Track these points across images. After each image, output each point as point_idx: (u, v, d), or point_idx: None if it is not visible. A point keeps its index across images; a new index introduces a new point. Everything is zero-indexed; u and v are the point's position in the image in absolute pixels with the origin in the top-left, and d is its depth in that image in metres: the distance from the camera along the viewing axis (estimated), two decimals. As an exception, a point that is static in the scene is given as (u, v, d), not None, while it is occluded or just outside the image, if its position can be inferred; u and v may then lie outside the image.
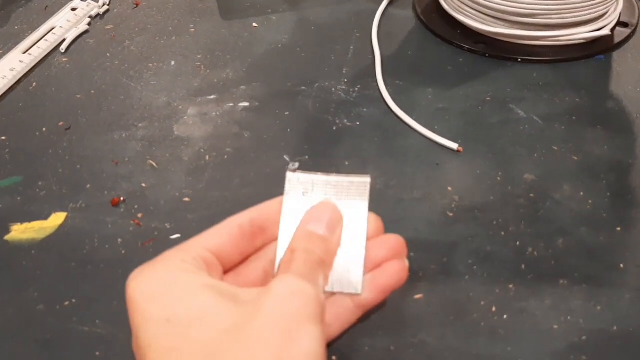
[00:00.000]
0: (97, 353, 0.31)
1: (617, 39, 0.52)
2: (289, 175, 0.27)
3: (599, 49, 0.51)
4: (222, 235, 0.25)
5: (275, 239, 0.26)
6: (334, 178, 0.27)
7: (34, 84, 0.49)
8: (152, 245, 0.36)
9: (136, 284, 0.23)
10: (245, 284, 0.25)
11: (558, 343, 0.31)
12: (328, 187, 0.27)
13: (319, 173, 0.27)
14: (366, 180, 0.27)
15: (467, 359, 0.30)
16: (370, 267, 0.26)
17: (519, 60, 0.50)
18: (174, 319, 0.22)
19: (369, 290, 0.26)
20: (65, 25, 0.55)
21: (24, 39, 0.53)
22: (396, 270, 0.26)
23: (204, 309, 0.22)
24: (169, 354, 0.21)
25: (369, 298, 0.26)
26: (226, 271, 0.26)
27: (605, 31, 0.51)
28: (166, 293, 0.22)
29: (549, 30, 0.50)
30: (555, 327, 0.31)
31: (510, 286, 0.33)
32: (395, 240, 0.26)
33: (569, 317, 0.32)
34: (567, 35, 0.50)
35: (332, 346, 0.30)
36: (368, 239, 0.26)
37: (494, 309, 0.32)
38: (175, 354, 0.21)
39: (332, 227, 0.26)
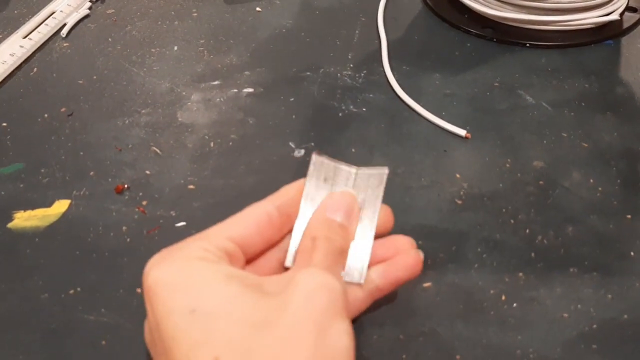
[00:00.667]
0: (103, 342, 0.30)
1: (626, 24, 0.51)
2: (315, 157, 0.26)
3: (608, 34, 0.50)
4: (249, 224, 0.24)
5: None
6: (355, 169, 0.27)
7: (35, 70, 0.48)
8: (158, 234, 0.35)
9: (157, 273, 0.22)
10: (261, 274, 0.25)
11: (568, 332, 0.30)
12: (350, 176, 0.27)
13: (342, 162, 0.27)
14: (384, 171, 0.27)
15: (477, 348, 0.30)
16: (375, 262, 0.26)
17: (527, 45, 0.49)
18: (199, 310, 0.21)
19: (382, 279, 0.25)
20: (65, 10, 0.54)
21: (24, 23, 0.52)
22: (410, 263, 0.26)
23: (229, 300, 0.21)
24: (197, 348, 0.20)
25: (381, 287, 0.25)
26: (249, 261, 0.25)
27: (615, 16, 0.50)
28: (190, 283, 0.22)
29: (557, 15, 0.49)
30: (566, 315, 0.31)
31: (520, 274, 0.33)
32: (403, 241, 0.26)
33: (579, 306, 0.31)
34: (576, 20, 0.49)
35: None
36: (377, 231, 0.26)
37: (503, 297, 0.32)
38: (204, 348, 0.20)
39: (351, 217, 0.25)
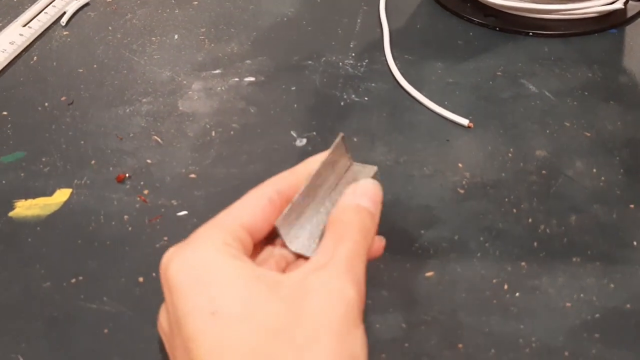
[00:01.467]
0: (106, 330, 0.30)
1: (630, 13, 0.51)
2: (339, 139, 0.26)
3: (612, 23, 0.50)
4: (256, 210, 0.24)
5: None
6: (349, 162, 0.27)
7: (35, 58, 0.48)
8: (159, 222, 0.35)
9: (177, 267, 0.22)
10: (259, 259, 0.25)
11: (571, 321, 0.30)
12: (345, 166, 0.27)
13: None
14: (374, 169, 0.27)
15: (479, 336, 0.30)
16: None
17: (530, 34, 0.49)
18: (220, 313, 0.21)
19: None
20: (65, -2, 0.54)
21: (24, 11, 0.52)
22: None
23: (250, 303, 0.21)
24: (217, 352, 0.20)
25: None
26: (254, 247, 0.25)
27: (619, 4, 0.50)
28: (211, 282, 0.21)
29: (561, 3, 0.49)
30: (568, 304, 0.31)
31: (523, 264, 0.33)
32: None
33: (581, 295, 0.31)
34: (580, 9, 0.49)
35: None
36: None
37: (506, 286, 0.32)
38: (225, 352, 0.20)
39: (378, 206, 0.26)
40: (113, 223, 0.35)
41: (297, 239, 0.25)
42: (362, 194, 0.25)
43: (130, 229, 0.35)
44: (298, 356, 0.20)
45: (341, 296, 0.22)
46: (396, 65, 0.46)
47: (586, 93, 0.43)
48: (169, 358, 0.24)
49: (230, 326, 0.21)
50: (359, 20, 0.51)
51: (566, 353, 0.29)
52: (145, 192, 0.37)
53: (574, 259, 0.33)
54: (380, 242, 0.27)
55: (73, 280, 0.33)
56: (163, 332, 0.24)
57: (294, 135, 0.41)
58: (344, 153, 0.27)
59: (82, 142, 0.41)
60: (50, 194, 0.37)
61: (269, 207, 0.24)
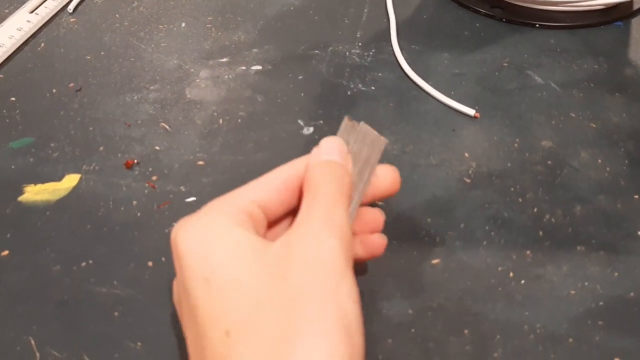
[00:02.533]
0: (116, 313, 0.31)
1: (636, 5, 0.51)
2: (345, 121, 0.28)
3: (618, 15, 0.50)
4: (271, 188, 0.25)
5: None
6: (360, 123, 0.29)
7: (42, 45, 0.48)
8: (168, 208, 0.36)
9: (182, 237, 0.23)
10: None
11: (575, 308, 0.31)
12: (354, 128, 0.28)
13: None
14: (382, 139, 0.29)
15: (484, 323, 0.30)
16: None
17: (537, 25, 0.49)
18: (212, 280, 0.21)
19: (362, 248, 0.27)
20: (72, -15, 0.54)
21: (31, -2, 0.52)
22: (382, 242, 0.28)
23: (240, 272, 0.22)
24: (212, 319, 0.21)
25: (359, 257, 0.27)
26: (270, 225, 0.25)
27: (625, -3, 0.50)
28: (210, 250, 0.22)
29: (568, -5, 0.49)
30: (573, 292, 0.31)
31: (528, 252, 0.33)
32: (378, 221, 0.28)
33: (586, 283, 0.32)
34: (586, 1, 0.49)
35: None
36: (383, 192, 0.28)
37: (511, 274, 0.32)
38: (217, 320, 0.21)
39: (345, 158, 0.26)
40: (122, 208, 0.36)
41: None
42: (326, 150, 0.26)
43: (139, 214, 0.35)
44: (286, 326, 0.20)
45: (321, 249, 0.22)
46: (403, 55, 0.46)
47: (592, 85, 0.44)
48: (183, 327, 0.24)
49: (222, 294, 0.21)
50: (365, 10, 0.51)
51: (570, 340, 0.29)
52: (154, 178, 0.38)
53: (579, 248, 0.33)
54: (381, 241, 0.28)
55: (83, 264, 0.33)
56: (176, 302, 0.25)
57: (301, 123, 0.41)
58: (353, 126, 0.28)
59: (90, 128, 0.41)
60: (59, 179, 0.38)
61: (284, 188, 0.25)
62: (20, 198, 0.37)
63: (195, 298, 0.22)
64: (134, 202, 0.36)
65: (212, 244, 0.22)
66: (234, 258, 0.22)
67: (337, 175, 0.25)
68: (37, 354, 0.29)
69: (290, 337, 0.20)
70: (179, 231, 0.23)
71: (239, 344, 0.20)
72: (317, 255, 0.22)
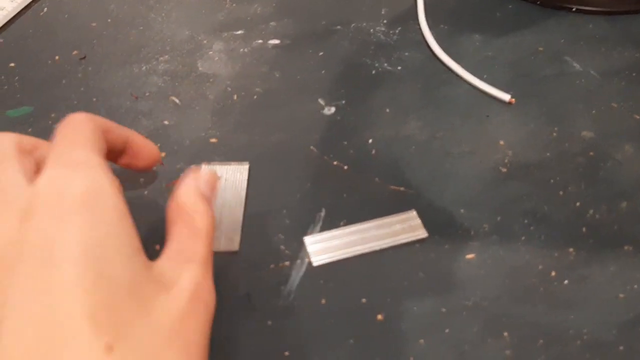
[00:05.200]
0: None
1: (677, -7, 0.48)
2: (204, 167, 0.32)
3: (659, 3, 0.47)
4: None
5: None
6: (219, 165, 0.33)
7: (45, 10, 0.45)
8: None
9: None
10: None
11: (625, 313, 0.28)
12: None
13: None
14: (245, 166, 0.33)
15: (525, 326, 0.27)
16: None
17: (574, 9, 0.46)
18: None
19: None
20: (78, -52, 0.50)
21: (34, -40, 0.48)
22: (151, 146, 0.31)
23: None
24: None
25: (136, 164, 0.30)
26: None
27: (667, -17, 0.47)
28: None
29: (608, -22, 0.46)
30: (621, 296, 0.28)
31: (571, 250, 0.30)
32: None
33: (635, 286, 0.29)
34: (627, -14, 0.46)
35: (378, 305, 0.28)
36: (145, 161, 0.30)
37: (553, 273, 0.29)
38: None
39: (215, 191, 0.27)
40: (127, 185, 0.33)
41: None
42: (204, 182, 0.27)
43: (146, 192, 0.33)
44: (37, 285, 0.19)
45: (61, 181, 0.22)
46: (432, 34, 0.43)
47: (634, 74, 0.41)
48: None
49: None
50: (391, -13, 0.48)
51: (621, 348, 0.27)
52: (163, 154, 0.35)
53: (626, 248, 0.31)
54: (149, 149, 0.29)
55: (83, 245, 0.30)
56: None
57: (322, 103, 0.38)
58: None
59: (94, 99, 0.38)
60: (59, 152, 0.34)
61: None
62: (16, 171, 0.33)
63: None
64: (141, 180, 0.33)
65: None
66: None
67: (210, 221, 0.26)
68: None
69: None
70: None
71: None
72: (59, 185, 0.22)
